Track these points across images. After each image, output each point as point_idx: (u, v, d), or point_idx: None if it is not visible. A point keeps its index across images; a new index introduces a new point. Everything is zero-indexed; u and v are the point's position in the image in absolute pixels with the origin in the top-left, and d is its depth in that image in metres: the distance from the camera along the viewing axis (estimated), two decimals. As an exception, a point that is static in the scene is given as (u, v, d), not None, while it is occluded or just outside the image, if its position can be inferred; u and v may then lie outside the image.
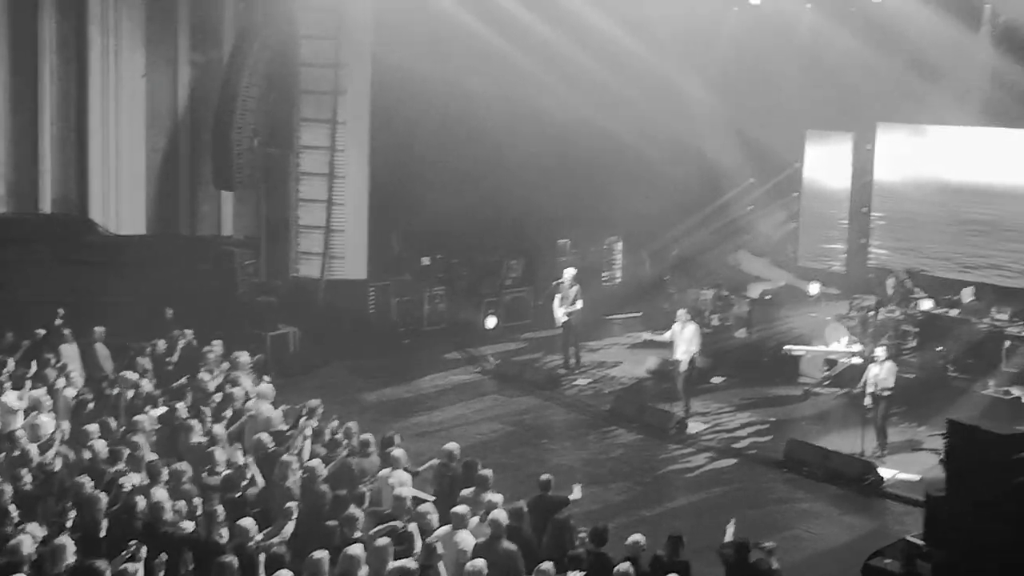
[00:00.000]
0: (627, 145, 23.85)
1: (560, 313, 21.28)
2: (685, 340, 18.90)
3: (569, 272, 21.60)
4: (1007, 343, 18.95)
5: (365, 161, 22.56)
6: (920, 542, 12.10)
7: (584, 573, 10.08)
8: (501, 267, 24.78)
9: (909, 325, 20.68)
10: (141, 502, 11.14)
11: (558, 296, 21.38)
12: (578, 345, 21.87)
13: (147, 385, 15.45)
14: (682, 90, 23.84)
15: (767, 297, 23.20)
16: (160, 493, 11.47)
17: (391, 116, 22.31)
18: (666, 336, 19.32)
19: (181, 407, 14.37)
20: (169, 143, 23.42)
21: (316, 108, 22.48)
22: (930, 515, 12.11)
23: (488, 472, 12.40)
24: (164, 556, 10.00)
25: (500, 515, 11.03)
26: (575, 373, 21.53)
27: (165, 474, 12.03)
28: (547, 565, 10.20)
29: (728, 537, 11.39)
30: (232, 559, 9.83)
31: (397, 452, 13.03)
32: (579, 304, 21.26)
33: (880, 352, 17.46)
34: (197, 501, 11.54)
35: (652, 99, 23.41)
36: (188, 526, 11.02)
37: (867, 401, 17.16)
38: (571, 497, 12.18)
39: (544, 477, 12.63)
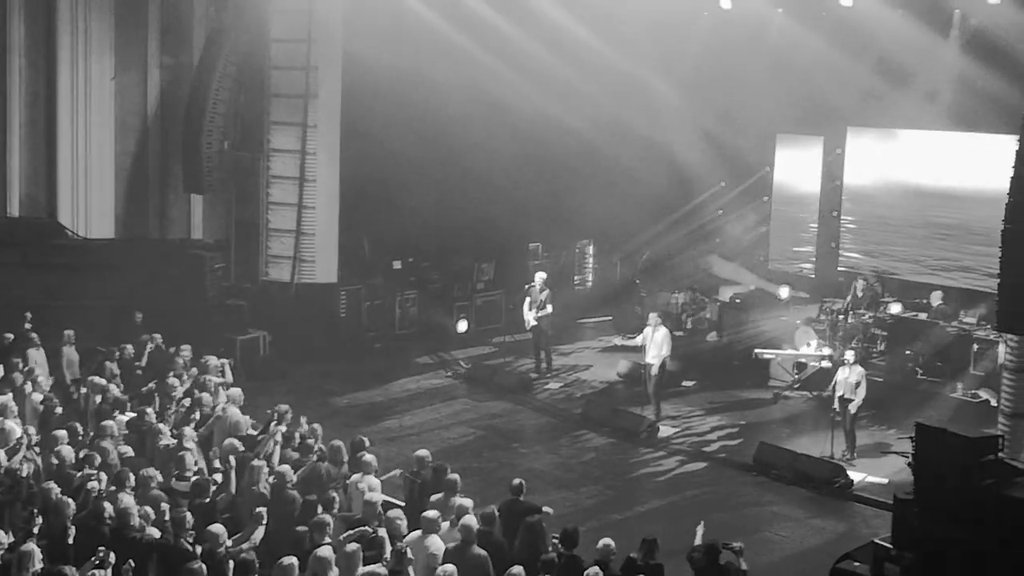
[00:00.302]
0: (598, 148, 23.92)
1: (530, 317, 21.32)
2: (656, 344, 18.94)
3: (540, 276, 21.66)
4: (975, 346, 19.07)
5: (336, 164, 22.48)
6: (888, 545, 12.14)
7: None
8: (473, 271, 24.75)
9: (878, 329, 20.81)
10: (109, 508, 11.07)
11: (528, 300, 21.43)
12: (548, 349, 21.90)
13: (115, 390, 15.35)
14: (653, 93, 23.89)
15: (737, 301, 23.28)
16: (127, 499, 11.41)
17: (362, 119, 22.23)
18: (637, 340, 19.36)
19: (150, 412, 14.29)
20: (138, 146, 23.30)
21: (287, 111, 22.38)
22: (898, 518, 12.16)
23: (456, 477, 12.43)
24: (131, 563, 9.94)
25: (471, 520, 11.04)
26: (546, 377, 21.57)
27: (132, 480, 11.96)
28: (518, 570, 10.21)
29: (698, 540, 11.41)
30: (200, 566, 9.79)
31: (367, 457, 13.00)
32: (549, 308, 21.31)
33: (849, 356, 17.58)
34: (165, 507, 11.46)
35: (623, 102, 23.47)
36: (155, 532, 10.96)
37: (836, 404, 17.28)
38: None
39: (516, 481, 12.64)
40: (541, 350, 21.78)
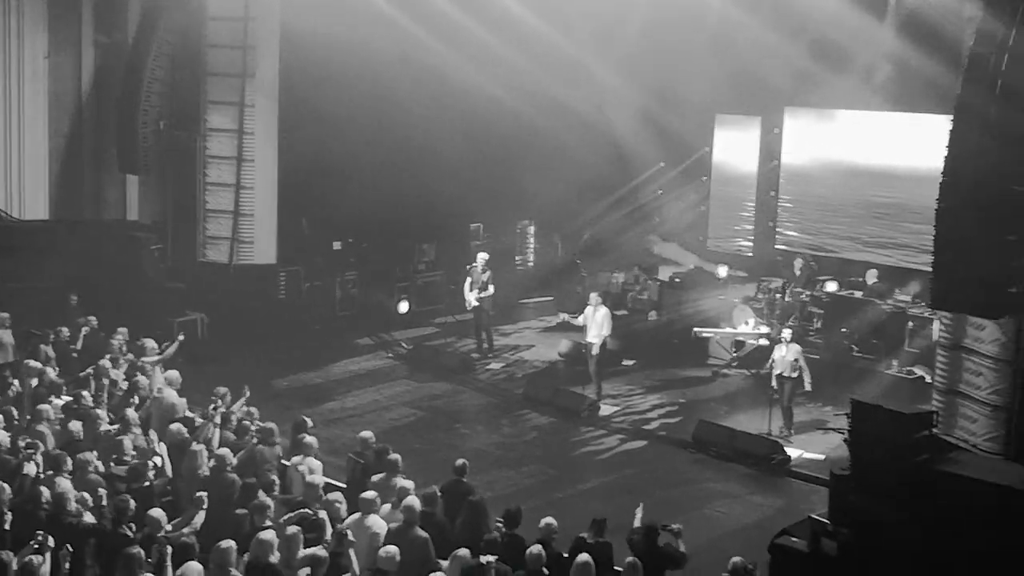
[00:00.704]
0: (538, 127, 23.87)
1: (471, 297, 21.32)
2: (597, 323, 19.02)
3: (482, 257, 21.65)
4: (910, 324, 19.33)
5: (274, 144, 22.28)
6: (825, 520, 12.31)
7: (498, 557, 10.09)
8: (414, 251, 24.69)
9: (815, 307, 21.06)
10: (45, 492, 10.93)
11: (469, 280, 21.43)
12: (490, 330, 21.92)
13: (51, 373, 15.15)
14: (593, 73, 23.91)
15: (677, 280, 23.42)
16: (64, 483, 11.28)
17: (301, 98, 22.04)
18: (579, 320, 19.41)
19: (86, 396, 14.11)
20: (73, 126, 22.91)
21: (224, 90, 22.13)
22: (835, 493, 12.32)
23: (398, 457, 12.40)
24: (69, 548, 9.83)
25: (413, 501, 11.03)
26: (488, 357, 21.60)
27: (69, 464, 11.82)
28: (463, 552, 10.22)
29: (637, 522, 11.49)
30: (138, 550, 9.70)
31: (308, 438, 12.94)
32: (491, 289, 21.34)
33: (786, 334, 17.78)
34: (102, 492, 11.33)
35: (563, 82, 23.45)
36: (93, 517, 10.84)
37: (773, 382, 17.47)
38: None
39: (459, 462, 12.64)
40: (483, 331, 21.79)
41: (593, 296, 19.46)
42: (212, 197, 22.24)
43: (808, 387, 17.47)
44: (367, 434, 13.35)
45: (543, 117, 23.69)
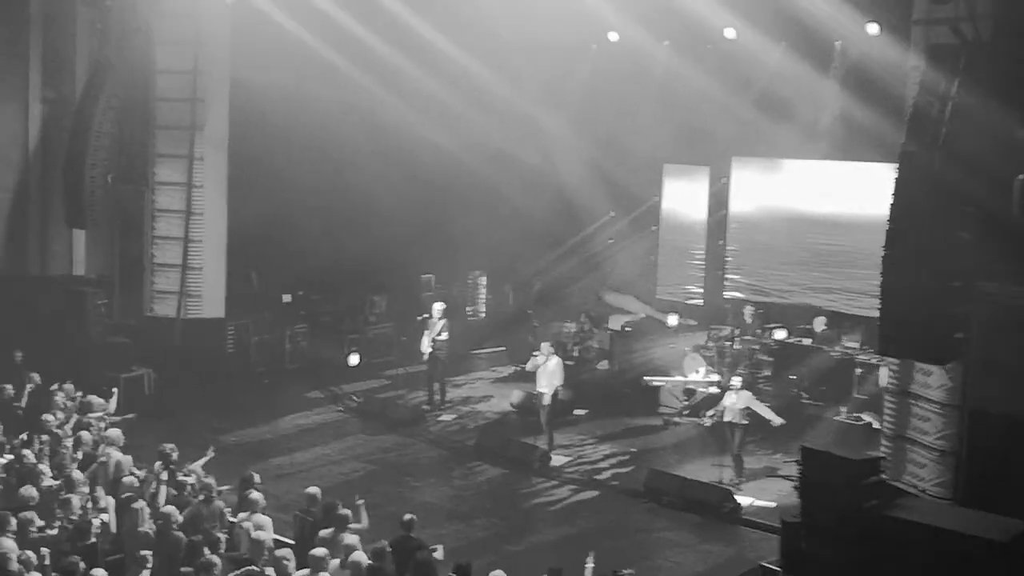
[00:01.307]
0: (486, 177, 24.03)
1: (426, 343, 21.23)
2: (548, 373, 18.99)
3: (438, 306, 21.62)
4: (858, 370, 19.48)
5: (223, 197, 22.18)
6: (776, 567, 12.30)
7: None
8: (364, 303, 24.60)
9: (764, 354, 21.18)
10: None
11: (425, 332, 21.35)
12: (443, 381, 21.82)
13: (-6, 431, 14.91)
14: (540, 123, 24.10)
15: (627, 329, 23.47)
16: (7, 543, 11.05)
17: (249, 151, 22.00)
18: (528, 366, 19.42)
19: (28, 454, 13.87)
20: (19, 181, 22.65)
21: (173, 143, 22.05)
22: (785, 541, 12.33)
23: (348, 512, 12.28)
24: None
25: (360, 557, 10.92)
26: (440, 409, 21.47)
27: (13, 524, 11.59)
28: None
29: (588, 574, 11.39)
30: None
31: (255, 495, 12.79)
32: (445, 335, 21.25)
33: (736, 381, 17.85)
34: (45, 551, 11.12)
35: (511, 132, 23.64)
36: (36, 576, 10.64)
37: (726, 426, 17.53)
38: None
39: (406, 517, 12.53)
40: (435, 381, 21.68)
41: (544, 346, 19.43)
42: (160, 251, 22.08)
43: (776, 422, 17.50)
44: (314, 490, 13.23)
45: (492, 168, 23.80)
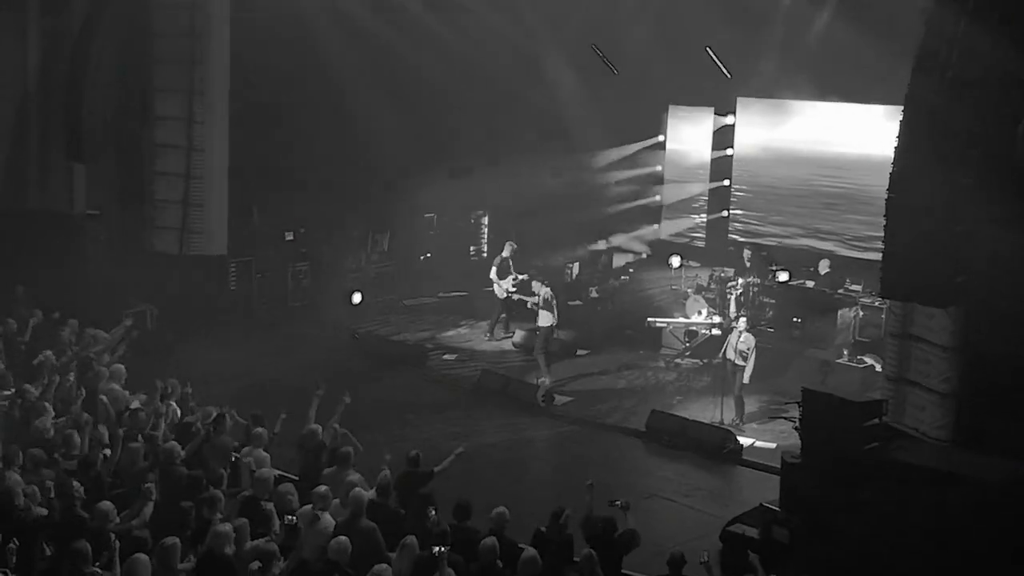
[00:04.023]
0: (494, 121, 23.83)
1: (508, 285, 21.70)
2: (545, 306, 19.46)
3: (509, 246, 22.00)
4: (861, 313, 19.50)
5: (225, 133, 21.91)
6: (776, 508, 12.39)
7: (449, 548, 10.02)
8: (366, 241, 24.55)
9: (767, 297, 21.16)
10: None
11: (494, 269, 21.91)
12: (508, 322, 22.21)
13: (-1, 365, 14.94)
14: (545, 66, 24.03)
15: (630, 270, 23.44)
16: (13, 477, 11.09)
17: (251, 86, 21.78)
18: (529, 304, 19.75)
19: (31, 388, 13.88)
20: (17, 114, 22.44)
21: (172, 78, 21.78)
22: (786, 481, 12.41)
23: (349, 450, 12.33)
24: (15, 542, 9.65)
25: (360, 493, 10.96)
26: (500, 338, 22.04)
27: (21, 458, 11.64)
28: (411, 540, 10.18)
29: (586, 505, 11.41)
30: (85, 545, 9.53)
31: (259, 430, 12.83)
32: (520, 277, 21.72)
33: (742, 323, 17.86)
34: (51, 484, 11.17)
35: (517, 75, 23.54)
36: (42, 510, 10.68)
37: (727, 364, 17.54)
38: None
39: (412, 453, 12.59)
40: (500, 317, 22.16)
41: (535, 284, 19.93)
42: (161, 186, 21.90)
43: (747, 380, 17.50)
44: (315, 427, 13.24)
45: (498, 111, 23.70)
